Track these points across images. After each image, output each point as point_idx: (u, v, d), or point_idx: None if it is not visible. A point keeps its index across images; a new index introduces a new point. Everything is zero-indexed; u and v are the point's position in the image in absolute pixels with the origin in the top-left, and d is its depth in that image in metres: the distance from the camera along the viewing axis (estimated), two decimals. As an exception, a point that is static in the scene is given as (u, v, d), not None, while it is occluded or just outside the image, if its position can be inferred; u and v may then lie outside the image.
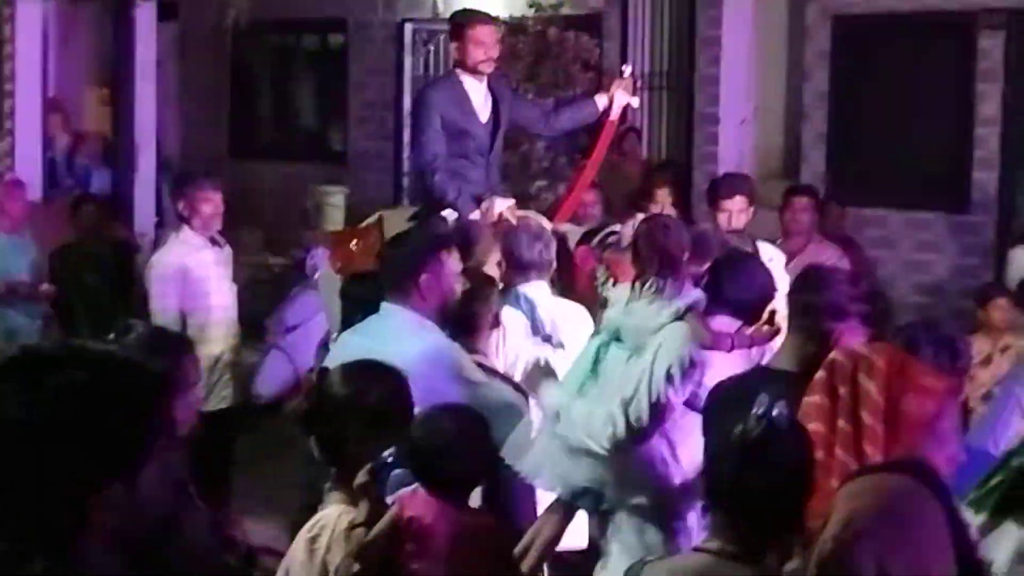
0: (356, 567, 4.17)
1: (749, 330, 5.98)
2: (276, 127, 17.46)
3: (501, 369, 6.25)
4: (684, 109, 13.16)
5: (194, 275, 8.26)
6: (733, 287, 5.98)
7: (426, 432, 4.48)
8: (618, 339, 6.11)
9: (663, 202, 8.82)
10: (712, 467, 3.77)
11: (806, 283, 5.15)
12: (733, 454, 3.66)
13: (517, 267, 6.78)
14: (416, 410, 4.63)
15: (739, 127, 12.88)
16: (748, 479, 3.60)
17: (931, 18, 11.38)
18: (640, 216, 8.68)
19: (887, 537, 2.76)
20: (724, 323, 5.93)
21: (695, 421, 5.38)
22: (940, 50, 11.47)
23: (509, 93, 8.56)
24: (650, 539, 5.65)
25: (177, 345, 4.84)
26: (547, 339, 6.69)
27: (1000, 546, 4.13)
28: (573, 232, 8.54)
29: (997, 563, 3.95)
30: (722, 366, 5.55)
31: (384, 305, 5.72)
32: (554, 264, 6.90)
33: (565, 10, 13.18)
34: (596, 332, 6.23)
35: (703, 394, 5.42)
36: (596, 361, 6.07)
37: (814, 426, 3.92)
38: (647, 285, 5.98)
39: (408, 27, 15.69)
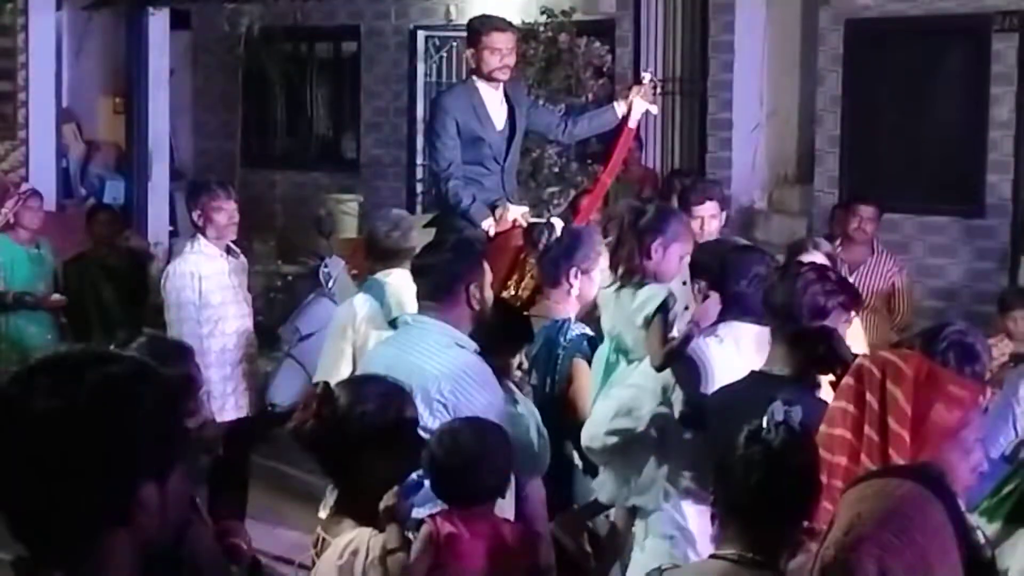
0: None
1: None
2: (289, 135, 17.48)
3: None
4: (697, 115, 13.16)
5: (209, 284, 8.26)
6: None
7: (449, 448, 4.47)
8: (623, 350, 6.15)
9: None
10: (727, 476, 3.74)
11: (777, 290, 5.14)
12: (752, 463, 3.64)
13: (377, 255, 7.09)
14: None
15: (752, 132, 12.88)
16: (769, 487, 3.59)
17: (944, 22, 11.36)
18: None
19: (890, 542, 2.75)
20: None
21: None
22: (953, 53, 11.46)
23: (526, 100, 8.56)
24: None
25: (178, 354, 4.85)
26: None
27: (1015, 554, 4.12)
28: None
29: (1012, 572, 3.94)
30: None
31: (417, 316, 5.62)
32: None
33: (577, 16, 13.18)
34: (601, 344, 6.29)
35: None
36: (606, 374, 6.11)
37: (840, 432, 3.92)
38: (624, 275, 6.10)
39: (421, 34, 15.71)
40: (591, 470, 6.08)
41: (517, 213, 7.82)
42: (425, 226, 8.15)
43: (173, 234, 14.61)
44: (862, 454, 3.80)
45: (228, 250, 8.46)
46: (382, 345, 5.85)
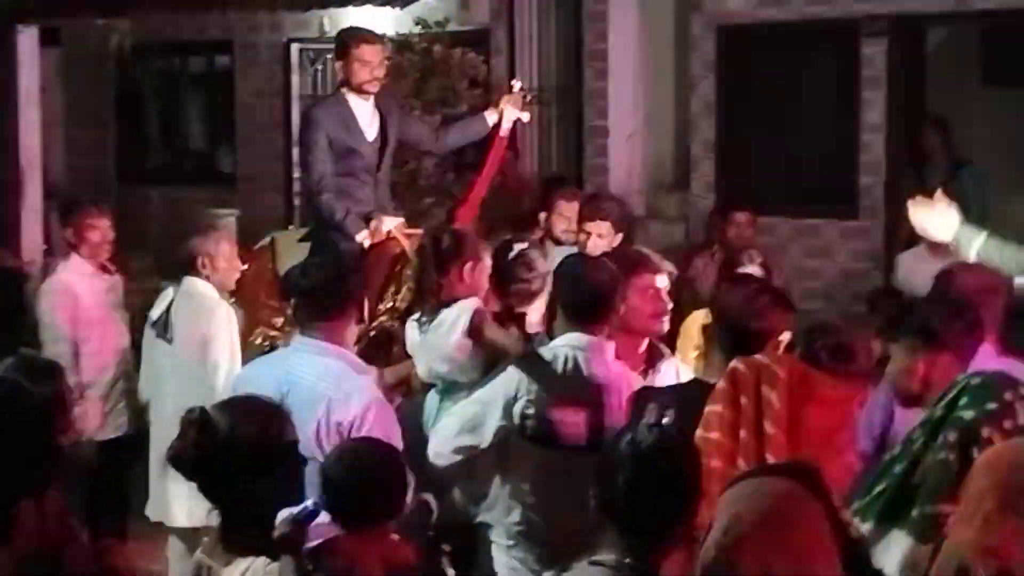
0: None
1: None
2: (164, 151, 17.31)
3: None
4: (573, 123, 13.19)
5: (84, 303, 8.18)
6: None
7: (346, 469, 4.43)
8: (446, 390, 6.19)
9: (570, 215, 8.72)
10: (601, 478, 3.73)
11: (726, 300, 5.16)
12: (625, 467, 3.63)
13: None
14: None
15: (628, 139, 12.94)
16: (639, 490, 3.59)
17: (814, 26, 11.48)
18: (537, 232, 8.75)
19: (769, 541, 2.76)
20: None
21: None
22: (824, 58, 11.58)
23: (397, 111, 8.55)
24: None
25: (49, 372, 4.79)
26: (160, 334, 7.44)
27: (889, 554, 4.17)
28: None
29: (888, 570, 3.98)
30: None
31: (303, 339, 5.51)
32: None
33: (451, 27, 13.18)
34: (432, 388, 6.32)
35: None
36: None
37: (716, 436, 3.96)
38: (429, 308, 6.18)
39: (295, 47, 15.63)
40: None
41: (391, 224, 7.82)
42: (300, 240, 8.11)
43: (47, 252, 14.39)
44: (738, 457, 3.83)
45: (103, 268, 8.39)
46: (265, 365, 5.76)
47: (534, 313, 6.30)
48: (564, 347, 5.55)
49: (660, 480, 3.59)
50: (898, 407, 5.10)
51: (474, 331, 6.01)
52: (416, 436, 5.78)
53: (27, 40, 14.85)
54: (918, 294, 6.64)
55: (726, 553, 2.75)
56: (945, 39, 12.28)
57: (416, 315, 6.52)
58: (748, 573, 2.72)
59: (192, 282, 7.59)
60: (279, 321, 7.54)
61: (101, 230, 8.34)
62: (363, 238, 7.79)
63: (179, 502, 7.08)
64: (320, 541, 4.27)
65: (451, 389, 6.15)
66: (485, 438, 5.56)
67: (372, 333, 7.29)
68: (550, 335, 5.83)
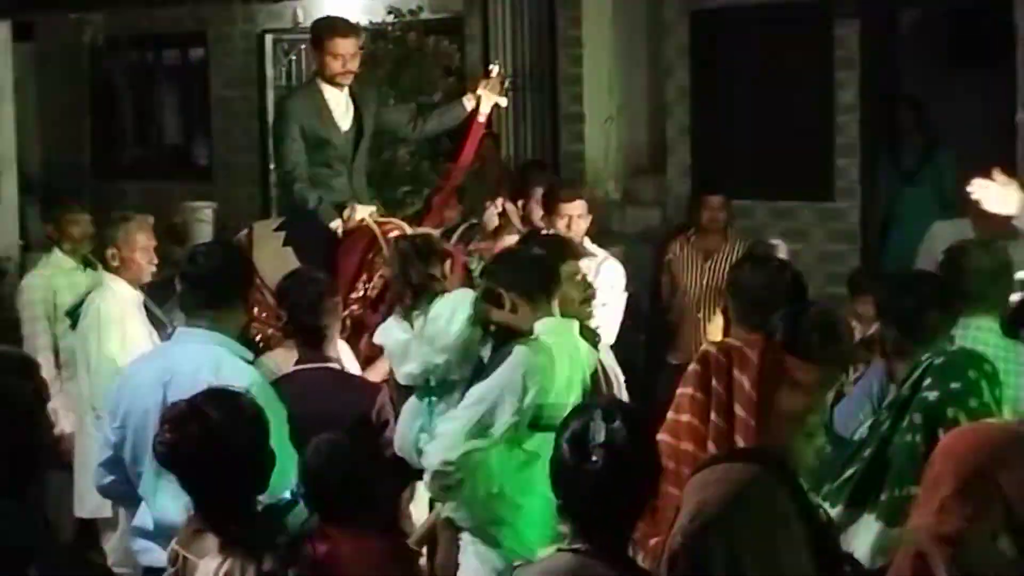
0: None
1: None
2: (139, 144, 17.26)
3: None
4: (548, 109, 13.19)
5: (64, 298, 8.16)
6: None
7: (326, 461, 4.43)
8: (435, 388, 6.17)
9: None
10: (563, 481, 3.75)
11: (752, 281, 5.20)
12: (584, 474, 3.65)
13: None
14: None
15: (603, 125, 12.94)
16: (601, 495, 3.62)
17: (786, 10, 11.48)
18: (499, 201, 8.73)
19: (735, 527, 2.78)
20: None
21: None
22: (797, 40, 11.58)
23: (373, 100, 8.55)
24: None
25: (23, 367, 4.79)
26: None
27: (859, 538, 4.19)
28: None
29: (858, 554, 4.00)
30: None
31: (188, 329, 5.45)
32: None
33: (424, 15, 13.16)
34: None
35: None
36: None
37: (687, 418, 3.98)
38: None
39: (268, 38, 15.59)
40: None
41: (364, 213, 7.83)
42: (276, 229, 8.11)
43: (25, 248, 14.38)
44: (708, 440, 3.85)
45: (85, 262, 8.39)
46: (146, 360, 5.67)
47: None
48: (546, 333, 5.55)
49: (632, 473, 3.60)
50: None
51: (481, 316, 5.96)
52: None
53: (-1, 35, 14.82)
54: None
55: (693, 539, 2.77)
56: (918, 19, 12.31)
57: (398, 313, 6.46)
58: (715, 559, 2.73)
59: (100, 276, 7.58)
60: (263, 313, 7.48)
61: (82, 225, 8.37)
62: (336, 226, 7.80)
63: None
64: (297, 532, 4.27)
65: (441, 389, 6.10)
66: (495, 437, 5.45)
67: (345, 321, 7.27)
68: None
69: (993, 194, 6.23)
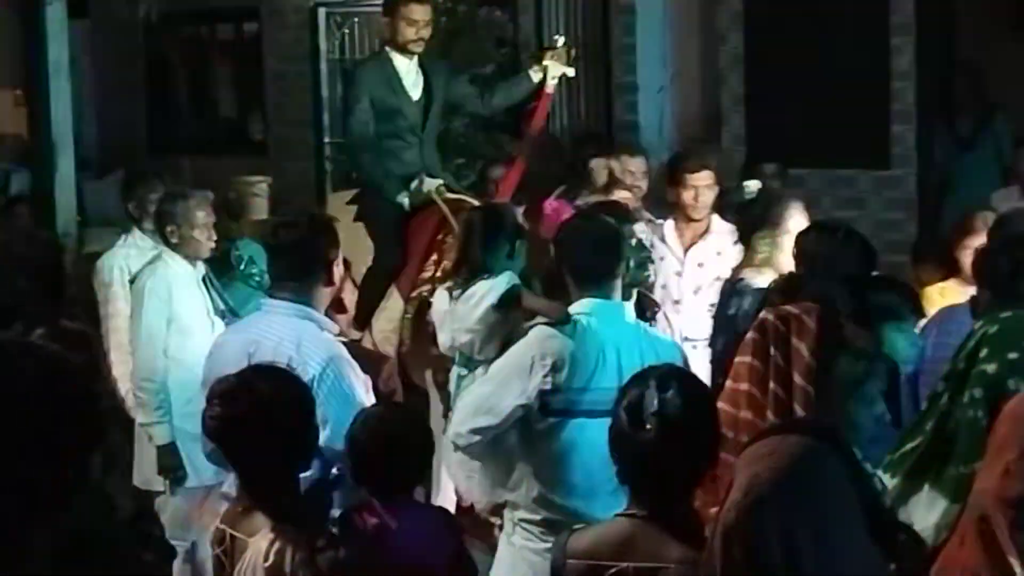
0: None
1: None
2: (194, 119, 17.31)
3: None
4: (602, 79, 13.15)
5: None
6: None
7: (374, 433, 4.43)
8: (467, 362, 6.15)
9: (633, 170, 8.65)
10: (620, 449, 3.80)
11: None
12: (638, 443, 3.73)
13: None
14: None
15: (658, 94, 12.89)
16: (668, 453, 3.65)
17: (842, -25, 11.42)
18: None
19: (790, 501, 2.76)
20: None
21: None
22: (852, 6, 11.51)
23: (444, 70, 8.44)
24: None
25: (82, 341, 4.82)
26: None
27: (921, 513, 4.17)
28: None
29: (924, 531, 3.98)
30: None
31: (274, 300, 5.45)
32: None
33: (476, -14, 13.13)
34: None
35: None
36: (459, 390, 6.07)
37: (745, 387, 3.98)
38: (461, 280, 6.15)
39: (322, 11, 15.58)
40: None
41: (432, 185, 7.71)
42: (348, 203, 8.07)
43: (81, 224, 14.45)
44: (767, 409, 3.84)
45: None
46: (235, 331, 5.70)
47: None
48: (579, 314, 5.40)
49: (687, 441, 3.64)
50: None
51: (510, 300, 5.96)
52: None
53: (55, 13, 14.86)
54: None
55: (746, 515, 2.75)
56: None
57: (448, 283, 6.49)
58: (769, 534, 2.72)
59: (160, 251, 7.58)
60: None
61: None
62: (402, 199, 7.73)
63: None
64: (347, 508, 4.28)
65: (471, 364, 6.12)
66: (501, 417, 5.32)
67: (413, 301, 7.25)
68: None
69: None
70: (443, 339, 6.31)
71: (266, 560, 4.12)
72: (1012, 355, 4.23)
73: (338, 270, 5.48)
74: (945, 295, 7.13)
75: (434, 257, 7.61)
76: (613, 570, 3.65)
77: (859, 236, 5.52)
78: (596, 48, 13.14)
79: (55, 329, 4.93)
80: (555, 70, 8.42)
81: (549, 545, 5.16)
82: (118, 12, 16.45)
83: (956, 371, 4.38)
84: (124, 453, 7.77)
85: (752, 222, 6.82)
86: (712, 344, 6.84)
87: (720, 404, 3.94)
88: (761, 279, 6.43)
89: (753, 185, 9.26)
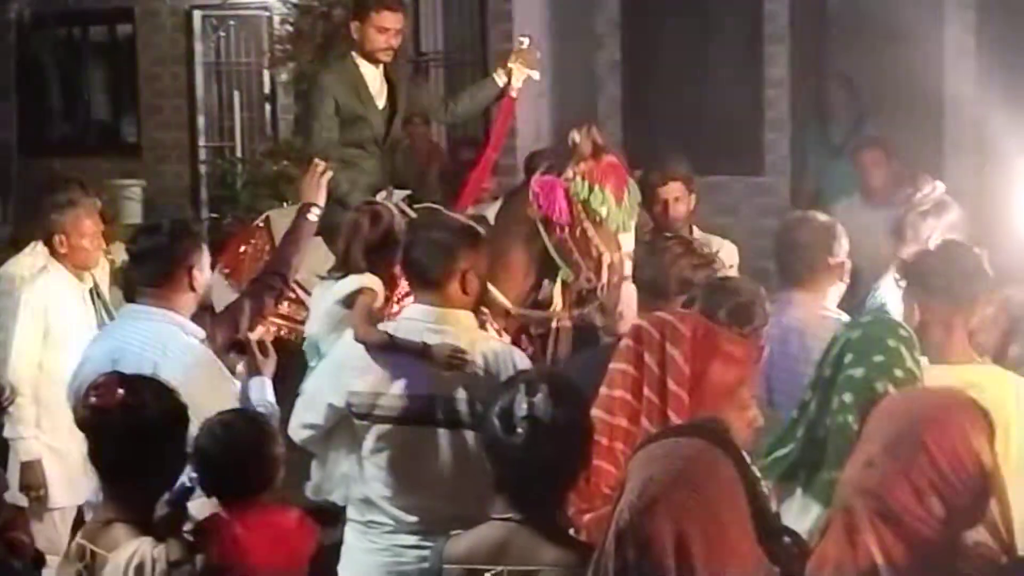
0: None
1: None
2: (66, 121, 17.12)
3: None
4: (479, 85, 13.14)
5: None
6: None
7: (222, 441, 4.38)
8: (319, 352, 6.14)
9: None
10: (492, 454, 3.84)
11: (646, 265, 5.24)
12: (510, 447, 3.76)
13: None
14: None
15: (536, 100, 12.92)
16: (527, 466, 3.71)
17: (717, -16, 11.54)
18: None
19: (683, 503, 2.78)
20: None
21: None
22: (728, 15, 11.62)
23: (406, 78, 8.24)
24: None
25: None
26: None
27: (795, 517, 4.23)
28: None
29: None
30: None
31: (136, 306, 5.35)
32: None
33: (351, -10, 13.08)
34: None
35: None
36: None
37: (620, 393, 3.99)
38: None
39: (197, 14, 15.48)
40: None
41: (399, 197, 7.54)
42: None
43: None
44: (642, 415, 3.86)
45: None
46: (98, 340, 5.58)
47: None
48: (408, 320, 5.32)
49: (557, 444, 3.67)
50: None
51: (350, 300, 6.00)
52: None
53: (-75, 13, 14.66)
54: None
55: (640, 516, 2.77)
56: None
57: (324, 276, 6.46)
58: (663, 535, 2.73)
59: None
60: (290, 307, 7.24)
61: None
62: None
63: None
64: (201, 519, 4.22)
65: (319, 356, 6.13)
66: (321, 415, 5.30)
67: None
68: None
69: None
70: (309, 326, 6.33)
71: (123, 572, 4.04)
72: (878, 358, 4.29)
73: (201, 275, 5.41)
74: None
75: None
76: (489, 574, 3.67)
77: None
78: (473, 54, 13.14)
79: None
80: (520, 72, 8.23)
81: (380, 545, 5.18)
82: (-11, 13, 16.22)
83: (821, 379, 4.44)
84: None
85: None
86: None
87: (594, 411, 3.95)
88: None
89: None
